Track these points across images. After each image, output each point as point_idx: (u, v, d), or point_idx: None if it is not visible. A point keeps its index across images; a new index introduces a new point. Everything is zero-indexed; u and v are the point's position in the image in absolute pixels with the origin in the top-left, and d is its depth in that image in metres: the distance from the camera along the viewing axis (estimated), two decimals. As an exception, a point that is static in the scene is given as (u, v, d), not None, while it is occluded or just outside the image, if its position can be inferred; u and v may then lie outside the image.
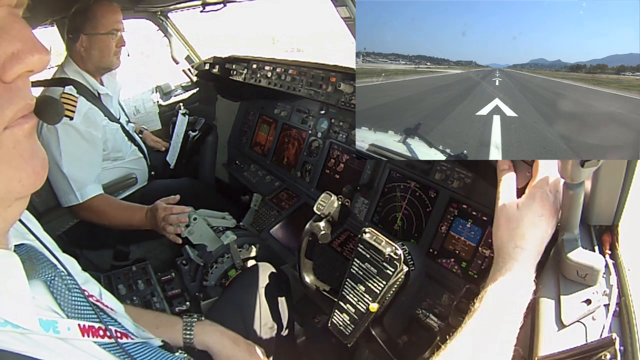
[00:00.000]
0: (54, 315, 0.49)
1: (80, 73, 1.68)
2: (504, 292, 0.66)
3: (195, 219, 1.52)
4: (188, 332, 0.91)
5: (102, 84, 1.79)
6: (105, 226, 1.62)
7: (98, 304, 0.59)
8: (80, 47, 1.65)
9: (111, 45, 1.69)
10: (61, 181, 1.54)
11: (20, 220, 0.54)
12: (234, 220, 1.81)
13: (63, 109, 0.49)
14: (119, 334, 0.56)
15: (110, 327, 0.54)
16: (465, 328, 0.64)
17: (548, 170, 0.73)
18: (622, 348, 0.57)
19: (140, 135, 2.29)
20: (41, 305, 0.48)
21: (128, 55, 1.85)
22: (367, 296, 0.88)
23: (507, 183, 0.76)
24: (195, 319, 0.93)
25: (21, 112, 0.39)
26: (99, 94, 1.75)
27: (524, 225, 0.70)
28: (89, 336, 0.51)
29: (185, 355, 0.72)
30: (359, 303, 0.89)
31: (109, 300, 0.71)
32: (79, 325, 0.50)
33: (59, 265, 0.53)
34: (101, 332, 0.53)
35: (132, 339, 0.59)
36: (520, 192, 0.75)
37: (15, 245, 0.50)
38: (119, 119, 1.88)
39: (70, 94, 1.53)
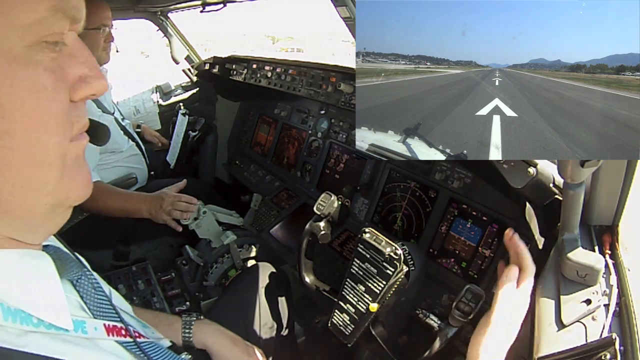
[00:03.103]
0: (83, 315, 0.49)
1: None
2: None
3: (204, 212, 1.53)
4: (187, 331, 0.91)
5: None
6: (102, 213, 1.62)
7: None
8: None
9: (99, 41, 1.69)
10: None
11: None
12: (241, 218, 1.82)
13: (109, 131, 0.56)
14: (136, 334, 0.56)
15: (129, 327, 0.55)
16: None
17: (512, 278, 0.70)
18: (622, 348, 0.57)
19: (138, 130, 2.29)
20: (71, 304, 0.48)
21: (117, 51, 1.85)
22: (367, 296, 0.88)
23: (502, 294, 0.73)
24: (194, 318, 0.93)
25: (81, 129, 0.44)
26: None
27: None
28: (113, 335, 0.51)
29: (190, 357, 0.72)
30: (359, 303, 0.89)
31: (118, 300, 0.71)
32: (104, 324, 0.50)
33: (85, 264, 0.54)
34: (123, 332, 0.53)
35: (146, 338, 0.59)
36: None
37: (43, 245, 0.50)
38: (113, 113, 1.88)
39: None
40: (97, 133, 0.50)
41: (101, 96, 1.81)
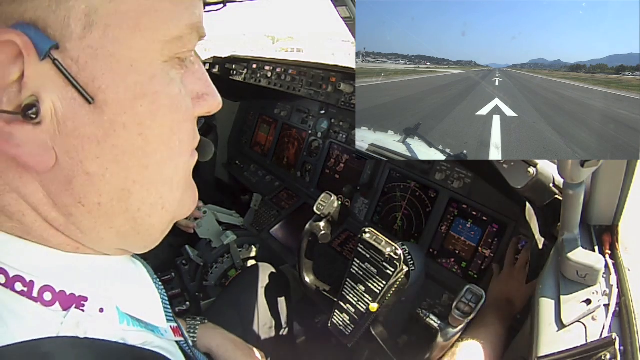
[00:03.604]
0: None
1: None
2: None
3: (205, 212, 1.53)
4: (192, 335, 0.91)
5: None
6: None
7: None
8: None
9: None
10: None
11: None
12: (242, 218, 1.82)
13: (213, 147, 0.56)
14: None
15: (180, 326, 0.55)
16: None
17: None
18: (622, 348, 0.57)
19: None
20: None
21: None
22: (367, 296, 0.88)
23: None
24: (199, 322, 0.93)
25: (196, 145, 0.43)
26: None
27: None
28: (176, 336, 0.52)
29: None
30: (359, 303, 0.89)
31: None
32: (170, 326, 0.51)
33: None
34: (179, 332, 0.54)
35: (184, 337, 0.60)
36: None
37: None
38: None
39: None
40: (204, 149, 0.49)
41: None
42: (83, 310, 0.36)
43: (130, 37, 0.32)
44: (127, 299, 0.41)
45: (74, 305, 0.35)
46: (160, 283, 0.53)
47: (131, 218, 0.38)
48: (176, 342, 0.53)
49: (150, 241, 0.43)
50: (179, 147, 0.38)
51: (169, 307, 0.53)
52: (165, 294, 0.53)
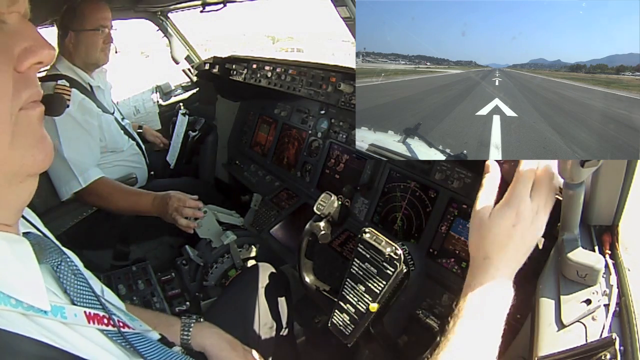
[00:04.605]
0: (62, 301, 0.49)
1: (72, 68, 1.70)
2: (476, 309, 0.63)
3: (205, 212, 1.53)
4: (185, 333, 0.90)
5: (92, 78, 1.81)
6: (112, 210, 1.63)
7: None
8: (69, 44, 1.68)
9: (98, 42, 1.71)
10: (62, 168, 1.55)
11: (23, 216, 0.56)
12: (242, 218, 1.82)
13: (65, 102, 0.57)
14: (121, 324, 0.56)
15: (112, 316, 0.55)
16: (443, 348, 0.60)
17: (529, 174, 0.66)
18: (622, 348, 0.57)
19: (140, 131, 2.29)
20: (50, 290, 0.48)
21: (116, 52, 1.88)
22: (367, 296, 0.88)
23: (488, 186, 0.69)
24: (194, 320, 0.93)
25: (32, 97, 0.46)
26: (91, 87, 1.76)
27: (493, 234, 0.64)
28: (94, 323, 0.51)
29: (182, 349, 0.72)
30: (359, 303, 0.89)
31: (110, 297, 0.71)
32: (84, 312, 0.51)
33: (65, 252, 0.54)
34: (105, 320, 0.53)
35: (132, 329, 0.59)
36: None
37: (24, 233, 0.51)
38: (113, 112, 1.89)
39: (64, 85, 1.57)
40: (52, 104, 0.52)
41: (100, 94, 1.82)
42: None
43: None
44: None
45: None
46: (74, 264, 0.53)
47: None
48: (104, 331, 0.53)
49: None
50: None
51: (89, 291, 0.53)
52: (82, 277, 0.53)
